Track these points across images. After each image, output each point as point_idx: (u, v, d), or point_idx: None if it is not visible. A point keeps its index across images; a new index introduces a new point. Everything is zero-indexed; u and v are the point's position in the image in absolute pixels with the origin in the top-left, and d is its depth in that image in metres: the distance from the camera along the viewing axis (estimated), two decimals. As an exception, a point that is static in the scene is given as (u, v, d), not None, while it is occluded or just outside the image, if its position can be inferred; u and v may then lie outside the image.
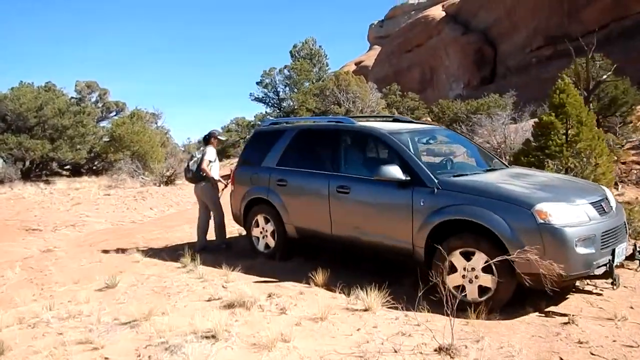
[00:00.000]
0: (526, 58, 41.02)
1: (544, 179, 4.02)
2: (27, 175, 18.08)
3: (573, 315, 3.24)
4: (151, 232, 8.56)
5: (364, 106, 22.09)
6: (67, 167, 21.08)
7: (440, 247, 3.35)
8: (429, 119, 23.65)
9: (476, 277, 3.44)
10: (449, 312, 2.82)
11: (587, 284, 3.83)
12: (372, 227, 4.13)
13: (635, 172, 9.78)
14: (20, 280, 5.24)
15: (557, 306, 3.51)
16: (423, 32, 55.85)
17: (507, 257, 2.97)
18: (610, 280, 3.34)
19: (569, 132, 6.13)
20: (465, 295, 3.46)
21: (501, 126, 13.49)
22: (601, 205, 3.53)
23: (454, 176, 3.87)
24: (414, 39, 57.16)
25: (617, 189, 8.45)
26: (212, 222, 6.04)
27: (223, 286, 4.19)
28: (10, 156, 17.82)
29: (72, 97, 23.16)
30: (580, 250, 3.20)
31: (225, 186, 5.94)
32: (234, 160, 29.88)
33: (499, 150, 12.23)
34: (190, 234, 7.80)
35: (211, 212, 5.98)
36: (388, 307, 3.52)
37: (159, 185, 16.44)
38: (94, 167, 21.53)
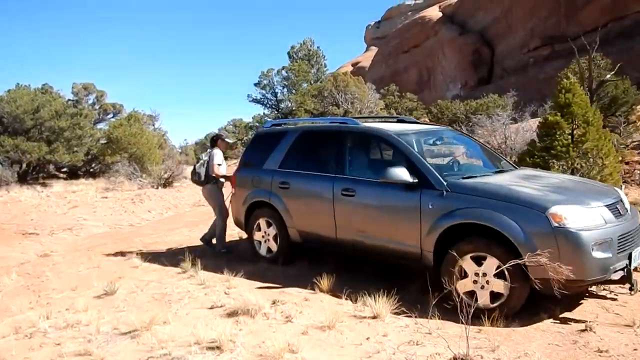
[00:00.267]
0: (523, 58, 41.10)
1: (555, 180, 3.92)
2: (23, 178, 17.90)
3: (590, 322, 3.14)
4: (149, 235, 8.43)
5: (362, 107, 22.03)
6: (64, 169, 20.90)
7: (452, 252, 3.24)
8: (427, 119, 23.59)
9: (488, 282, 3.33)
10: (463, 320, 2.71)
11: (604, 289, 3.72)
12: (378, 231, 4.02)
13: (638, 172, 9.71)
14: (16, 287, 5.11)
15: (572, 312, 3.41)
16: (420, 33, 55.94)
17: (519, 261, 2.85)
18: (628, 286, 3.24)
19: (575, 132, 6.04)
20: (477, 301, 3.34)
21: (502, 126, 13.42)
22: (616, 207, 3.43)
23: (463, 178, 3.76)
24: (411, 39, 57.26)
25: (621, 190, 8.37)
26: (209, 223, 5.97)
27: (225, 292, 4.08)
28: (7, 159, 17.62)
29: (68, 99, 22.99)
30: (597, 254, 3.10)
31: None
32: (231, 162, 29.77)
33: (499, 150, 12.16)
34: (189, 238, 7.67)
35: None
36: (397, 314, 3.41)
37: (157, 188, 16.29)
38: (91, 170, 21.35)
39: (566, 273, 2.82)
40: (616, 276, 3.19)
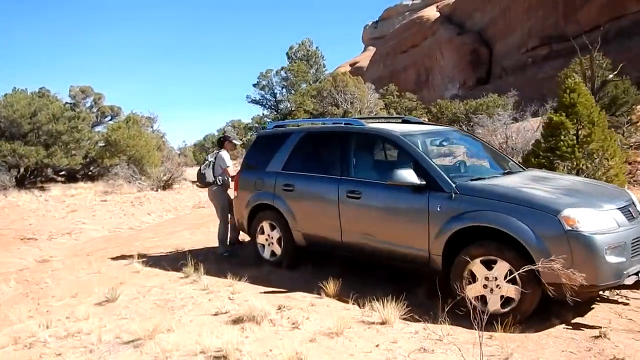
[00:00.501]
0: (522, 58, 41.14)
1: (566, 182, 3.85)
2: (21, 183, 17.78)
3: (604, 328, 3.07)
4: (150, 239, 8.34)
5: (362, 107, 21.96)
6: (63, 173, 20.77)
7: (462, 256, 3.17)
8: (426, 119, 23.53)
9: (498, 287, 3.26)
10: (476, 327, 2.63)
11: (617, 294, 3.65)
12: (385, 234, 3.94)
13: (640, 171, 9.64)
14: (15, 295, 5.02)
15: (584, 317, 3.34)
16: (418, 32, 56.00)
17: (532, 267, 2.78)
18: (642, 290, 3.17)
19: (580, 132, 5.97)
20: (487, 306, 3.27)
21: (502, 126, 13.37)
22: (629, 210, 3.36)
23: (471, 180, 3.69)
24: (409, 39, 57.31)
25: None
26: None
27: (230, 298, 4.00)
28: (4, 163, 17.50)
29: (66, 103, 22.86)
30: (611, 259, 3.03)
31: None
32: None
33: (500, 150, 12.09)
34: (191, 241, 7.59)
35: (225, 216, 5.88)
36: (405, 319, 3.34)
37: (157, 190, 16.20)
38: (90, 173, 21.23)
39: (579, 280, 2.75)
40: (630, 281, 3.12)
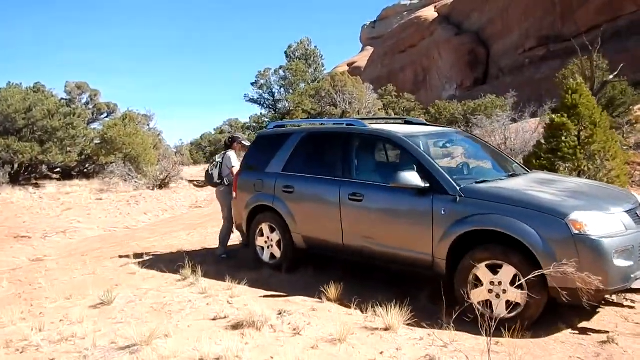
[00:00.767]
0: (519, 59, 41.23)
1: (572, 185, 3.79)
2: (15, 179, 17.57)
3: (611, 333, 3.01)
4: (146, 239, 8.23)
5: (360, 107, 21.89)
6: (58, 170, 20.58)
7: (466, 260, 3.10)
8: (423, 120, 23.48)
9: (504, 291, 3.20)
10: (483, 333, 2.56)
11: (625, 298, 3.60)
12: (388, 237, 3.87)
13: (639, 173, 9.64)
14: (7, 295, 4.91)
15: (590, 322, 3.29)
16: (416, 33, 56.04)
17: (545, 271, 2.72)
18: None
19: (582, 133, 5.93)
20: (492, 311, 3.20)
21: (501, 127, 13.34)
22: (636, 213, 3.31)
23: (476, 183, 3.62)
24: (407, 40, 57.35)
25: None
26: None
27: (228, 302, 3.91)
28: (-2, 159, 17.30)
29: (62, 99, 22.65)
30: (619, 262, 2.98)
31: None
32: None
33: (503, 153, 12.06)
34: (188, 242, 7.49)
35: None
36: (409, 325, 3.27)
37: (153, 189, 16.07)
38: (85, 170, 21.05)
39: (596, 283, 2.69)
40: (638, 284, 3.07)
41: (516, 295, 3.14)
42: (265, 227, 4.94)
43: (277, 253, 4.86)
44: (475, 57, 47.44)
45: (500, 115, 13.46)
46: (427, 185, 3.58)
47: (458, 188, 3.47)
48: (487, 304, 3.26)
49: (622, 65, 12.19)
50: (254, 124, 27.41)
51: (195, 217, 11.74)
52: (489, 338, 2.51)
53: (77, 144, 19.64)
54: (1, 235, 9.54)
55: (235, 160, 5.75)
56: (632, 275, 3.04)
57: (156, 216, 12.18)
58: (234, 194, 5.36)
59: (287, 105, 25.60)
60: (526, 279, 2.85)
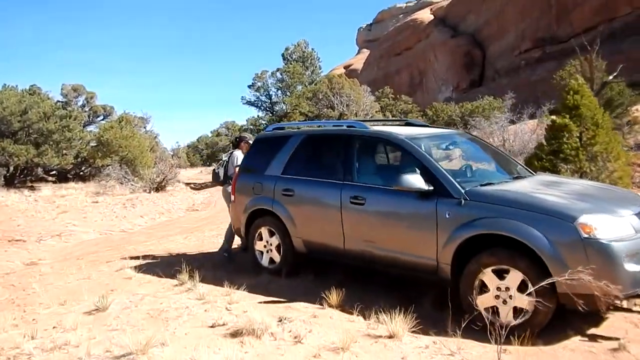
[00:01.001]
0: (515, 60, 41.36)
1: (578, 187, 3.72)
2: (11, 182, 17.41)
3: (622, 340, 2.93)
4: (143, 243, 8.12)
5: (358, 110, 21.85)
6: (53, 172, 20.41)
7: (473, 265, 3.02)
8: (424, 121, 23.44)
9: (511, 297, 3.11)
10: (493, 342, 2.48)
11: (635, 304, 3.52)
12: (390, 241, 3.78)
13: (638, 174, 9.61)
14: (0, 301, 4.79)
15: (599, 328, 3.21)
16: (411, 35, 56.20)
17: (558, 278, 2.63)
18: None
19: (584, 134, 5.87)
20: (499, 317, 3.12)
21: (500, 128, 13.32)
22: (645, 216, 3.24)
23: (481, 185, 3.54)
24: (403, 42, 57.49)
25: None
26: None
27: (227, 309, 3.80)
28: (-7, 162, 17.13)
29: (57, 101, 22.49)
30: (630, 267, 2.90)
31: None
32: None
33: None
34: (185, 245, 7.38)
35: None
36: (414, 332, 3.17)
37: (149, 192, 15.94)
38: (81, 173, 20.90)
39: (615, 292, 2.60)
40: None
41: (524, 302, 3.06)
42: (264, 231, 4.84)
43: (277, 257, 4.76)
44: (471, 59, 47.59)
45: (498, 116, 13.43)
46: (431, 188, 3.49)
47: (463, 191, 3.39)
48: (494, 310, 3.17)
49: (621, 66, 12.19)
50: (251, 127, 27.29)
51: (192, 220, 11.63)
52: (499, 346, 2.42)
53: (73, 146, 19.50)
54: (-5, 239, 9.39)
55: (241, 159, 5.74)
56: None
57: (152, 219, 12.06)
58: (232, 197, 5.27)
59: (284, 107, 25.52)
60: (538, 286, 2.77)
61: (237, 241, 6.57)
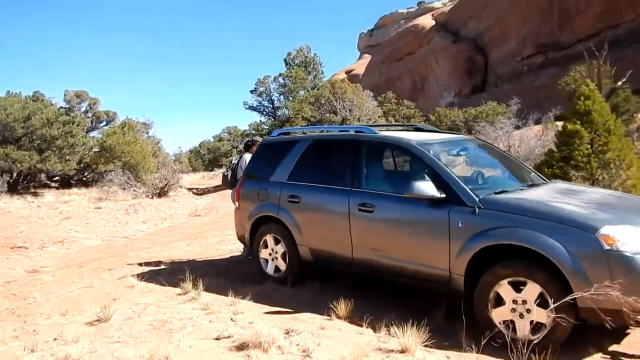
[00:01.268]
0: (517, 66, 41.36)
1: (597, 196, 3.60)
2: (14, 188, 17.37)
3: (645, 357, 2.81)
4: (145, 249, 8.03)
5: (360, 115, 21.79)
6: (56, 178, 20.39)
7: (488, 277, 2.89)
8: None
9: (528, 311, 2.99)
10: (513, 358, 2.35)
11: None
12: (400, 251, 3.67)
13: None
14: (0, 311, 4.69)
15: (620, 345, 3.08)
16: (413, 40, 56.35)
17: (583, 293, 2.51)
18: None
19: (595, 141, 5.76)
20: (515, 332, 3.00)
21: (505, 134, 13.21)
22: (667, 227, 3.11)
23: (495, 193, 3.43)
24: (404, 47, 57.64)
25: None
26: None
27: (232, 319, 3.69)
28: (-4, 168, 17.10)
29: (61, 107, 22.53)
30: None
31: None
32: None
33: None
34: (188, 252, 7.29)
35: None
36: (427, 346, 3.05)
37: (152, 198, 15.86)
38: (84, 179, 20.88)
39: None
40: None
41: (541, 315, 2.93)
42: (269, 238, 4.74)
43: (282, 266, 4.66)
44: (473, 64, 47.60)
45: (503, 122, 13.32)
46: (443, 195, 3.39)
47: (477, 199, 3.28)
48: (510, 324, 3.05)
49: (630, 72, 12.10)
50: (254, 131, 27.25)
51: (195, 226, 11.53)
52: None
53: (76, 152, 19.48)
54: (-3, 245, 9.31)
55: None
56: None
57: (155, 225, 11.97)
58: (237, 204, 5.17)
59: (286, 112, 25.48)
60: (563, 301, 2.64)
61: (237, 249, 6.47)
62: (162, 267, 6.04)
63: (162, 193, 16.30)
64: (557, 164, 5.83)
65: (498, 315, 3.09)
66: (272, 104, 27.43)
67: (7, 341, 3.62)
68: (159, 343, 3.25)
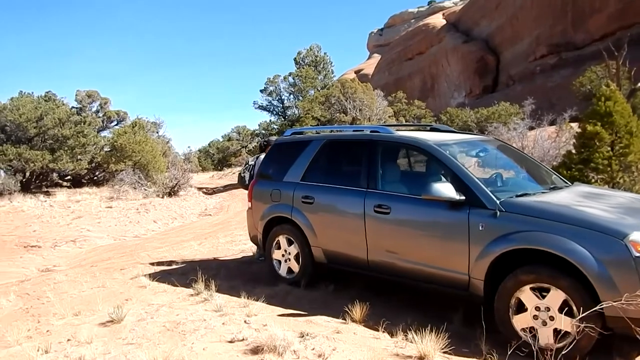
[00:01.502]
0: (530, 67, 40.80)
1: (624, 200, 3.48)
2: (27, 187, 17.59)
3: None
4: (157, 249, 8.04)
5: (371, 114, 21.66)
6: (68, 178, 20.62)
7: (510, 282, 2.80)
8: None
9: (551, 318, 2.89)
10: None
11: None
12: (417, 254, 3.59)
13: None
14: (14, 310, 4.71)
15: (649, 354, 2.96)
16: (423, 40, 55.95)
17: (613, 303, 2.41)
18: None
19: (616, 143, 5.61)
20: (537, 340, 2.90)
21: (518, 135, 13.01)
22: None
23: (517, 196, 3.33)
24: (415, 47, 57.26)
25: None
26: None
27: (245, 322, 3.64)
28: (10, 168, 17.34)
29: (72, 107, 22.73)
30: None
31: None
32: (235, 169, 29.33)
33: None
34: (200, 252, 7.27)
35: None
36: (445, 353, 2.97)
37: (162, 197, 15.94)
38: (95, 178, 21.08)
39: None
40: None
41: (566, 323, 2.83)
42: (282, 239, 4.69)
43: (295, 267, 4.60)
44: (485, 64, 47.09)
45: (517, 123, 13.12)
46: (463, 198, 3.30)
47: (498, 202, 3.19)
48: (532, 331, 2.95)
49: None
50: (263, 131, 27.26)
51: (206, 225, 11.54)
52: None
53: (88, 151, 19.68)
54: (11, 244, 9.42)
55: None
56: None
57: (166, 224, 12.01)
58: (249, 204, 5.12)
59: (296, 112, 25.43)
60: (592, 310, 2.54)
61: (249, 249, 6.43)
62: (174, 267, 6.02)
63: (172, 192, 16.37)
64: (576, 167, 5.68)
65: (519, 322, 2.99)
66: (282, 103, 27.41)
67: (21, 341, 3.61)
68: (172, 345, 3.21)
